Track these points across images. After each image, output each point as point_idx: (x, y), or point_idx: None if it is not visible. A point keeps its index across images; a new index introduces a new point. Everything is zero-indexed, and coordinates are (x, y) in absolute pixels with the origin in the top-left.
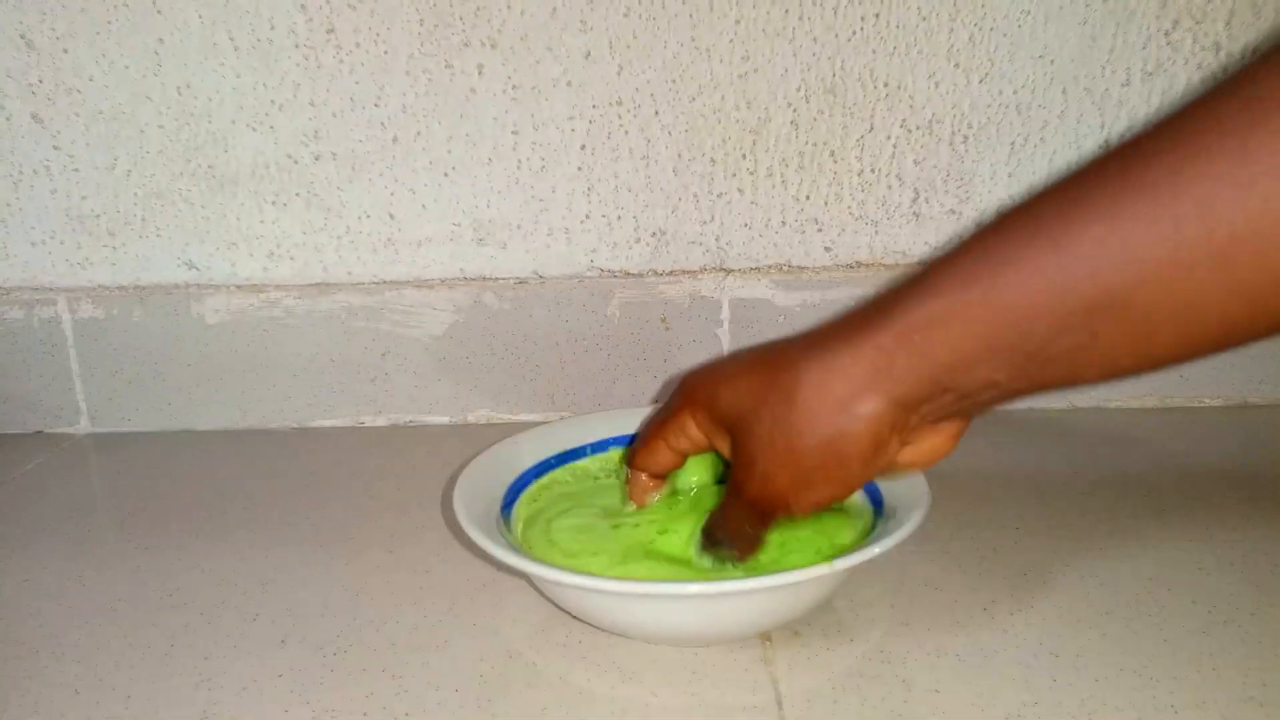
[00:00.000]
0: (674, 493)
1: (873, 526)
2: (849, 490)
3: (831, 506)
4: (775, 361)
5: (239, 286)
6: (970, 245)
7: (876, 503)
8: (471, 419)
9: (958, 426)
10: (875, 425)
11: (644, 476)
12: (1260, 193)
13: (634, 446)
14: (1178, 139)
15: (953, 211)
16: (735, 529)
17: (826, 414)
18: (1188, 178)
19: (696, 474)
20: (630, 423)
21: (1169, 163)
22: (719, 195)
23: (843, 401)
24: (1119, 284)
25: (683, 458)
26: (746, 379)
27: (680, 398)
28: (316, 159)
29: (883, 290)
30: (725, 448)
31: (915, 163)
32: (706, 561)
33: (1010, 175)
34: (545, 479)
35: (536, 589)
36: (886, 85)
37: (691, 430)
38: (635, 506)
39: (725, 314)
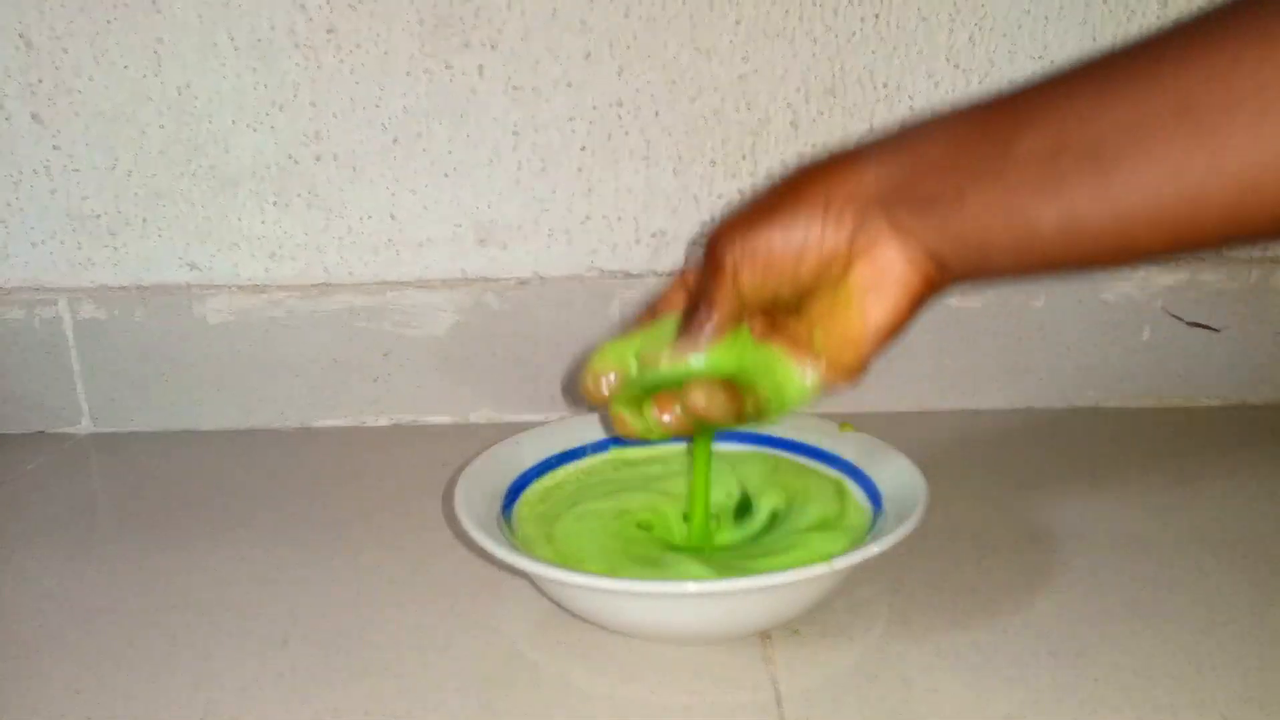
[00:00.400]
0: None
1: (872, 526)
2: (786, 247)
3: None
4: None
5: (241, 287)
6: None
7: (876, 502)
8: (473, 419)
9: (917, 255)
10: (835, 180)
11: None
12: (1234, 47)
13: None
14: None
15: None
16: (690, 302)
17: (802, 170)
18: (1169, 37)
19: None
20: None
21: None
22: (719, 196)
23: (818, 166)
24: (1086, 106)
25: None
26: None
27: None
28: (317, 159)
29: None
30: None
31: None
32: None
33: None
34: (548, 479)
35: (537, 588)
36: (886, 86)
37: (730, 295)
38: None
39: None
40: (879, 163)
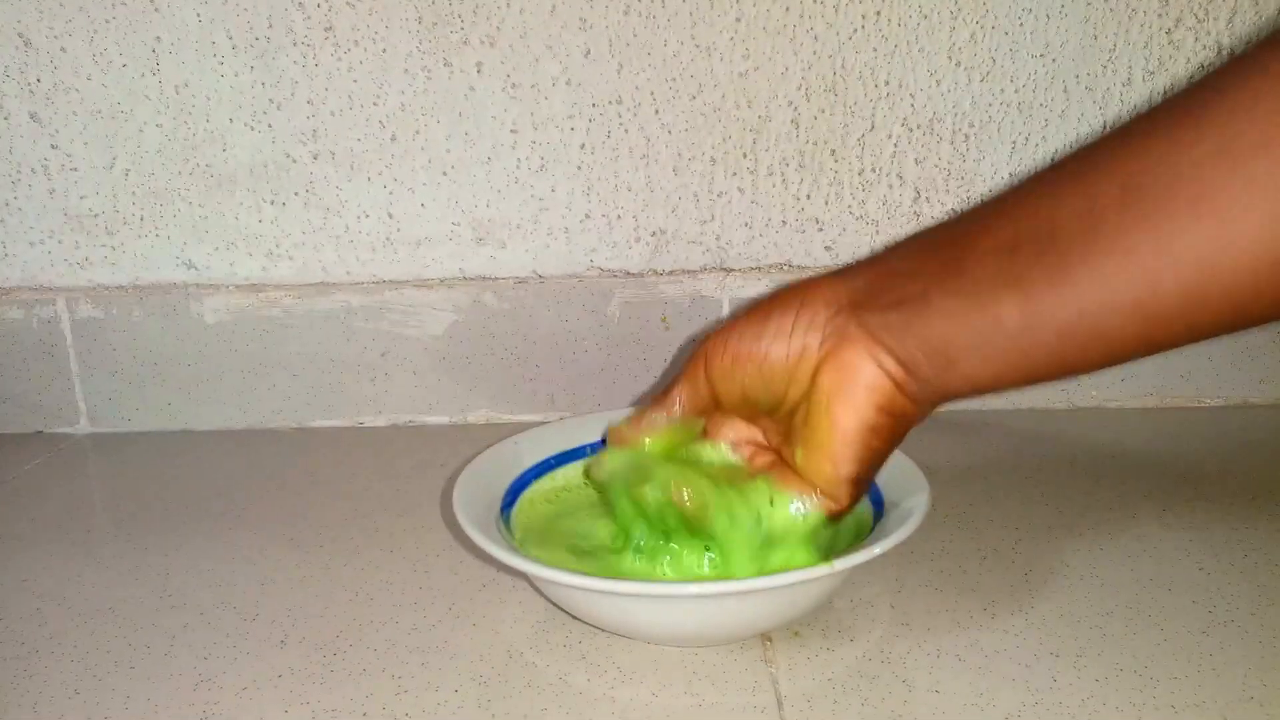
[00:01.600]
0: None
1: (873, 526)
2: (756, 342)
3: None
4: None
5: (238, 286)
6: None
7: (877, 502)
8: (471, 419)
9: (885, 359)
10: (811, 289)
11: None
12: (1171, 131)
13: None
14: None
15: (954, 211)
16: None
17: (788, 285)
18: (1123, 127)
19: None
20: None
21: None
22: (719, 194)
23: (801, 280)
24: (1041, 199)
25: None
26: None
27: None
28: (315, 158)
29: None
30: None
31: (916, 162)
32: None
33: (1012, 174)
34: (547, 479)
35: (536, 589)
36: (888, 84)
37: (700, 380)
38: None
39: (725, 314)
40: (853, 275)
